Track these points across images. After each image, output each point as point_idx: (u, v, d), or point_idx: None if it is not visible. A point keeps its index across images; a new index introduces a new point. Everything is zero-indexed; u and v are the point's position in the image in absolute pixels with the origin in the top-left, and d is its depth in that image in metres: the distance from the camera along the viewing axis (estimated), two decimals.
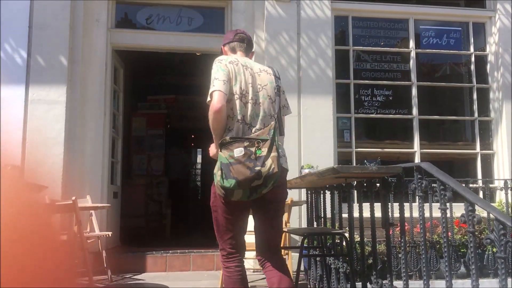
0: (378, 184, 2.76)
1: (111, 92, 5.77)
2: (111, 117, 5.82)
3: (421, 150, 5.78)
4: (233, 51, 2.72)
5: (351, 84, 5.85)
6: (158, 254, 5.33)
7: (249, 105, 2.46)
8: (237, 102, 2.43)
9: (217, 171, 2.32)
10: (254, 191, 2.29)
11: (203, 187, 10.91)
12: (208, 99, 2.42)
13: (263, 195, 2.33)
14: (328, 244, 3.56)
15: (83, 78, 5.38)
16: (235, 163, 2.26)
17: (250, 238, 5.16)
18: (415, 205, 3.32)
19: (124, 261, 5.25)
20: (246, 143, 2.32)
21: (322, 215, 3.82)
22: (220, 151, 2.34)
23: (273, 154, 2.32)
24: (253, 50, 2.89)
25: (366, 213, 2.86)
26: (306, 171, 3.65)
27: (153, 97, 9.07)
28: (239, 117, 2.43)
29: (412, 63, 5.95)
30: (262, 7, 5.66)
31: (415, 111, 5.86)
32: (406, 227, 4.53)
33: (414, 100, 5.88)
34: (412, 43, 5.98)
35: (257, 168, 2.25)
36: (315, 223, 4.01)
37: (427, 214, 4.25)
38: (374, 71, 5.97)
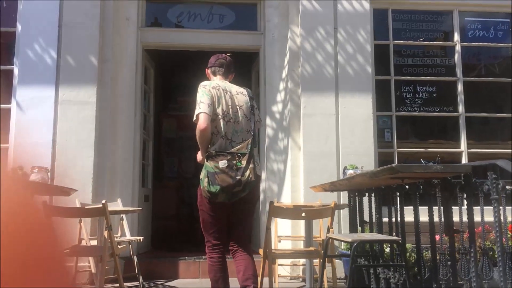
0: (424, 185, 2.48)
1: (141, 93, 5.62)
2: (142, 118, 5.66)
3: (469, 150, 5.41)
4: (214, 74, 3.20)
5: (391, 80, 5.53)
6: (190, 259, 5.12)
7: (230, 124, 2.96)
8: (221, 121, 2.93)
9: (203, 178, 2.85)
10: (235, 195, 2.84)
11: None
12: (194, 119, 2.92)
13: (241, 197, 2.87)
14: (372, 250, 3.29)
15: (114, 78, 5.24)
16: (220, 172, 2.79)
17: (286, 244, 4.89)
18: (464, 208, 3.02)
19: (156, 266, 5.07)
20: (229, 157, 2.84)
21: (368, 219, 3.54)
22: (207, 161, 2.86)
23: (251, 165, 2.86)
24: (232, 73, 3.25)
25: (410, 217, 2.60)
26: (351, 171, 3.38)
27: (183, 98, 8.91)
28: (221, 134, 2.93)
29: (457, 57, 5.59)
30: (297, 2, 5.41)
31: (461, 108, 5.49)
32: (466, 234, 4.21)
33: (460, 97, 5.52)
34: (457, 36, 5.62)
35: (238, 177, 2.79)
36: (359, 228, 3.73)
37: (477, 218, 3.91)
38: (416, 66, 5.63)
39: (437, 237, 4.44)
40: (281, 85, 5.48)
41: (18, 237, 0.48)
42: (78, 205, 4.38)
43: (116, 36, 5.33)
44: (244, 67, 7.06)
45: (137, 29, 5.49)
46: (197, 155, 3.12)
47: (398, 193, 2.94)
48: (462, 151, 5.42)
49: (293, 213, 3.38)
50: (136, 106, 5.41)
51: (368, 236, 2.63)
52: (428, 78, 5.59)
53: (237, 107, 3.01)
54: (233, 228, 3.06)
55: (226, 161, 2.81)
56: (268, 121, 5.48)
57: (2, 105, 5.08)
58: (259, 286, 3.14)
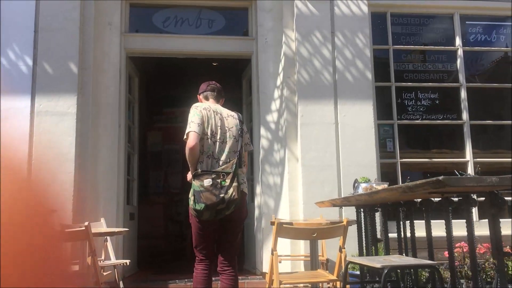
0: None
1: (126, 103, 5.22)
2: (126, 130, 5.26)
3: (474, 160, 5.13)
4: (206, 98, 3.37)
5: (392, 87, 5.24)
6: (181, 283, 4.71)
7: (217, 144, 3.10)
8: (208, 141, 3.08)
9: (191, 196, 2.98)
10: (219, 212, 2.94)
11: None
12: (185, 137, 3.04)
13: (227, 215, 2.97)
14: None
15: (95, 87, 4.84)
16: (205, 190, 2.91)
17: (285, 264, 4.51)
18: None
19: None
20: (213, 175, 2.96)
21: (381, 237, 3.19)
22: (193, 180, 2.98)
23: (234, 184, 2.96)
24: (223, 97, 3.45)
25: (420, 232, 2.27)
26: (364, 185, 3.04)
27: (169, 110, 8.51)
28: (209, 153, 3.06)
29: (459, 62, 5.33)
30: (292, 5, 5.11)
31: (465, 115, 5.22)
32: (463, 249, 3.89)
33: (464, 104, 5.25)
34: (458, 40, 5.37)
35: (222, 195, 2.90)
36: (371, 248, 3.38)
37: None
38: (417, 72, 5.36)
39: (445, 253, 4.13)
40: (276, 93, 5.15)
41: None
42: (57, 227, 3.95)
43: (97, 42, 4.94)
44: (234, 75, 6.73)
45: (120, 35, 5.11)
46: (187, 175, 3.23)
47: (423, 208, 2.60)
48: (468, 161, 5.14)
49: (303, 234, 3.02)
50: (120, 117, 5.01)
51: (397, 260, 2.29)
52: (430, 84, 5.32)
53: (226, 128, 3.17)
54: (221, 245, 3.17)
55: (210, 180, 2.95)
56: (263, 131, 5.13)
57: None
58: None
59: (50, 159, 4.47)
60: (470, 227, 2.16)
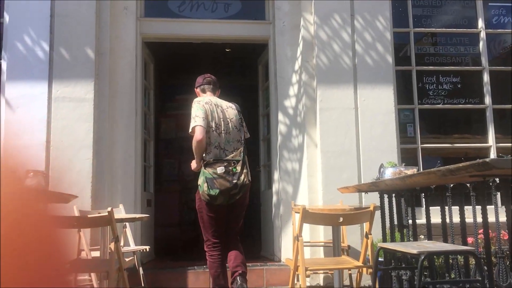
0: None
1: (142, 89, 5.16)
2: (143, 117, 5.20)
3: (497, 145, 5.02)
4: (203, 91, 3.59)
5: (413, 71, 5.14)
6: (200, 269, 4.68)
7: (222, 135, 3.33)
8: (214, 133, 3.30)
9: (202, 183, 3.20)
10: (232, 197, 3.22)
11: None
12: (190, 131, 3.27)
13: (235, 200, 3.27)
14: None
15: (112, 73, 4.78)
16: (218, 177, 3.16)
17: (306, 254, 4.46)
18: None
19: (163, 278, 4.62)
20: (225, 163, 3.21)
21: (406, 223, 3.13)
22: (204, 168, 3.21)
23: (244, 170, 3.26)
24: (218, 89, 3.66)
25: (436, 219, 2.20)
26: (392, 170, 2.96)
27: (182, 97, 8.44)
28: (215, 144, 3.30)
29: (482, 45, 5.20)
30: None
31: (488, 100, 5.11)
32: (491, 235, 3.81)
33: (487, 88, 5.13)
34: (481, 23, 5.24)
35: (234, 181, 3.18)
36: (396, 234, 3.32)
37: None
38: (438, 55, 5.24)
39: (470, 239, 4.06)
40: (294, 78, 5.06)
41: (23, 247, 0.44)
42: (76, 212, 3.93)
43: (113, 27, 4.87)
44: (249, 60, 6.65)
45: (136, 20, 5.03)
46: (192, 164, 3.41)
47: (450, 193, 2.53)
48: (490, 146, 5.04)
49: (329, 219, 2.96)
50: (137, 104, 4.95)
51: (432, 246, 2.22)
52: (451, 68, 5.20)
53: (228, 119, 3.40)
54: (228, 228, 3.45)
55: (223, 167, 3.19)
56: (281, 116, 5.05)
57: None
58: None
59: (68, 145, 4.45)
60: (510, 212, 2.08)
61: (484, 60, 5.17)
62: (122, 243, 4.35)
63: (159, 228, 6.28)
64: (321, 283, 4.63)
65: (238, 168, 3.22)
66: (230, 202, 3.26)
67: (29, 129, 4.40)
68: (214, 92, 3.60)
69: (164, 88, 8.22)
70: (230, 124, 3.39)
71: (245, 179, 3.23)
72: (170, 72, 8.12)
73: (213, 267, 3.33)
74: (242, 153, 3.31)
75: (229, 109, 3.47)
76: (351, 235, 4.42)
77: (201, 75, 3.69)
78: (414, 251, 2.03)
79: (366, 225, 3.04)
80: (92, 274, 3.96)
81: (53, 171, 4.39)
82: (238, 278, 3.25)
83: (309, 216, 2.85)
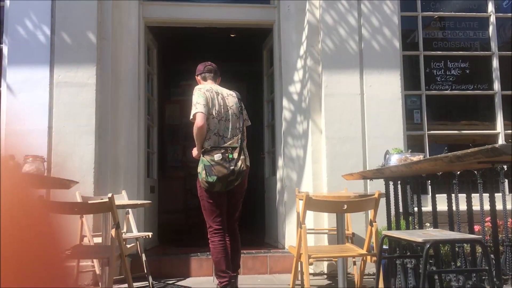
0: None
1: (145, 74, 5.10)
2: (146, 102, 5.15)
3: (506, 132, 4.93)
4: (204, 79, 3.63)
5: (420, 56, 5.04)
6: (203, 256, 4.66)
7: (222, 122, 3.40)
8: (214, 120, 3.36)
9: (201, 171, 3.29)
10: (230, 184, 3.31)
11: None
12: (191, 117, 3.33)
13: (234, 187, 3.36)
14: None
15: (114, 57, 4.72)
16: (216, 164, 3.24)
17: (308, 241, 4.42)
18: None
19: (166, 264, 4.61)
20: (222, 150, 3.29)
21: (412, 211, 3.07)
22: (203, 156, 3.29)
23: (242, 157, 3.34)
24: (219, 77, 3.69)
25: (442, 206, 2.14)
26: (398, 156, 2.90)
27: (187, 83, 8.37)
28: (215, 131, 3.36)
29: (491, 29, 5.09)
30: None
31: (497, 85, 5.01)
32: (498, 223, 3.74)
33: (496, 73, 5.03)
34: (491, 6, 5.11)
35: (232, 168, 3.26)
36: (401, 222, 3.26)
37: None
38: (446, 40, 5.13)
39: (476, 227, 3.99)
40: (299, 63, 4.98)
41: (14, 235, 0.44)
42: (78, 198, 3.90)
43: (115, 11, 4.80)
44: (253, 46, 6.55)
45: (139, 3, 4.96)
46: (192, 151, 3.49)
47: (456, 181, 2.46)
48: (499, 133, 4.95)
49: (333, 207, 2.90)
50: (140, 89, 4.90)
51: (438, 234, 2.17)
52: (460, 53, 5.10)
53: (228, 107, 3.47)
54: (228, 213, 3.53)
55: (220, 154, 3.26)
56: (285, 102, 4.98)
57: None
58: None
59: (70, 131, 4.41)
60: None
61: (493, 45, 5.06)
62: (124, 230, 4.33)
63: (163, 214, 6.26)
64: (325, 271, 4.60)
65: (235, 154, 3.32)
66: (228, 189, 3.36)
67: (31, 114, 4.36)
68: (215, 79, 3.65)
69: (168, 74, 8.15)
70: (230, 111, 3.46)
71: (242, 165, 3.32)
72: (175, 58, 8.04)
73: (214, 253, 3.42)
74: (239, 140, 3.40)
75: (230, 97, 3.53)
76: (356, 223, 4.38)
77: (202, 62, 3.73)
78: (420, 239, 1.98)
79: (370, 213, 2.99)
80: (95, 260, 3.95)
81: (56, 157, 4.36)
82: (232, 279, 3.43)
83: (313, 203, 2.80)
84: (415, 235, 2.10)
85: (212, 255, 3.45)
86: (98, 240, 3.84)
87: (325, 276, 4.56)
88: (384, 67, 4.76)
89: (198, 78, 3.68)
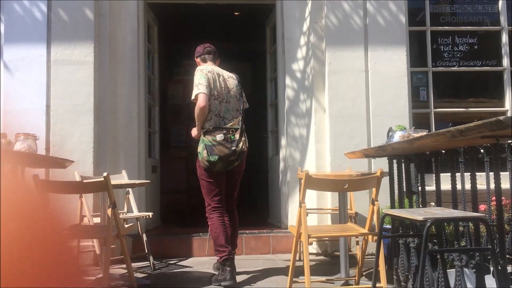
0: None
1: (144, 52, 5.00)
2: (146, 81, 5.06)
3: None
4: (204, 61, 3.69)
5: (427, 31, 4.89)
6: (205, 236, 4.60)
7: (223, 104, 3.49)
8: (214, 102, 3.44)
9: (202, 150, 3.39)
10: (230, 163, 3.42)
11: (249, 156, 10.14)
12: (193, 98, 3.42)
13: (233, 167, 3.47)
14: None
15: (112, 35, 4.62)
16: (217, 144, 3.35)
17: (311, 218, 4.36)
18: None
19: (167, 244, 4.58)
20: (224, 131, 3.39)
21: (417, 190, 2.99)
22: (204, 136, 3.40)
23: (243, 138, 3.45)
24: (218, 58, 3.75)
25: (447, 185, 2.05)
26: (401, 133, 2.80)
27: (190, 62, 8.24)
28: (216, 112, 3.45)
29: (501, 3, 4.91)
30: None
31: (506, 61, 4.86)
32: (504, 202, 3.65)
33: (505, 49, 4.87)
34: None
35: (233, 148, 3.38)
36: (405, 201, 3.18)
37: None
38: (454, 15, 4.97)
39: (482, 207, 3.90)
40: (302, 40, 4.85)
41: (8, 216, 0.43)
42: (77, 178, 3.84)
43: None
44: (256, 25, 6.42)
45: None
46: (192, 131, 3.58)
47: (462, 158, 2.36)
48: (507, 110, 4.82)
49: (334, 185, 2.82)
50: (140, 67, 4.80)
51: (440, 212, 2.09)
52: (468, 28, 4.94)
53: (229, 89, 3.55)
54: (227, 194, 3.65)
55: (222, 135, 3.37)
56: (288, 81, 4.87)
57: None
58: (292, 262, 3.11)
59: (68, 110, 4.34)
60: None
61: (503, 20, 4.90)
62: (125, 210, 4.29)
63: (166, 194, 6.22)
64: (328, 250, 4.54)
65: (237, 136, 3.41)
66: (228, 169, 3.46)
67: (29, 93, 4.29)
68: (214, 61, 3.71)
69: (171, 53, 8.03)
70: (230, 93, 3.55)
71: (243, 146, 3.43)
72: (178, 37, 7.91)
73: (213, 229, 3.56)
74: (240, 122, 3.50)
75: (230, 79, 3.61)
76: (360, 202, 4.29)
77: (201, 44, 3.77)
78: (420, 218, 1.89)
79: (373, 192, 2.91)
80: (95, 241, 3.91)
81: (54, 136, 4.30)
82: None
83: (313, 182, 2.72)
84: (416, 213, 2.02)
85: (211, 231, 3.57)
86: (98, 219, 3.80)
87: (328, 255, 4.50)
88: (390, 43, 4.63)
89: (198, 60, 3.72)
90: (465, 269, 2.16)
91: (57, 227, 0.51)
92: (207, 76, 3.43)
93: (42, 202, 0.50)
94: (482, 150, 2.21)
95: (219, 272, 3.53)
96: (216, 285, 3.58)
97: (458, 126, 1.69)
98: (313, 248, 4.54)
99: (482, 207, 3.70)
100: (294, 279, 3.05)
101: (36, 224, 0.48)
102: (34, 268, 0.45)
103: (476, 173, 2.40)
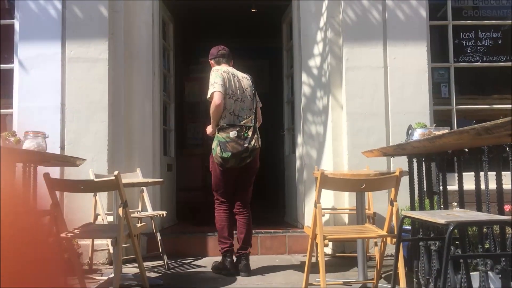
0: None
1: (160, 49, 4.95)
2: (161, 79, 5.01)
3: None
4: (218, 63, 3.82)
5: (449, 26, 4.73)
6: None
7: (237, 102, 3.65)
8: (229, 100, 3.60)
9: (216, 147, 3.55)
10: (243, 160, 3.54)
11: (266, 154, 10.05)
12: (208, 96, 3.58)
13: (246, 164, 3.58)
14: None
15: (127, 32, 4.58)
16: (230, 141, 3.49)
17: (330, 221, 4.26)
18: None
19: (182, 243, 4.54)
20: (237, 128, 3.54)
21: (436, 190, 2.87)
22: (218, 133, 3.56)
23: (255, 136, 3.58)
24: (231, 60, 3.88)
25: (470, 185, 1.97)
26: (421, 131, 2.69)
27: (207, 59, 8.18)
28: (230, 110, 3.61)
29: None
30: None
31: None
32: None
33: None
34: None
35: (246, 145, 3.51)
36: (425, 202, 3.06)
37: None
38: (477, 8, 4.81)
39: (507, 207, 3.74)
40: (319, 36, 4.74)
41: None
42: (91, 176, 3.82)
43: None
44: (273, 22, 6.33)
45: None
46: (207, 128, 3.74)
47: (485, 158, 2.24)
48: None
49: (351, 185, 2.73)
50: (154, 65, 4.75)
51: (463, 215, 1.98)
52: (492, 22, 4.77)
53: (243, 89, 3.70)
54: (239, 191, 3.79)
55: (236, 132, 3.51)
56: (304, 77, 4.77)
57: (2, 65, 4.50)
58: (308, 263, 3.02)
59: (83, 108, 4.32)
60: None
61: None
62: (140, 208, 4.25)
63: (182, 192, 6.18)
64: (346, 251, 4.44)
65: (250, 133, 3.56)
66: (241, 165, 3.59)
67: (44, 91, 4.28)
68: (228, 63, 3.84)
69: (188, 51, 7.99)
70: (245, 93, 3.71)
71: (255, 144, 3.57)
72: (195, 35, 7.87)
73: (218, 220, 3.75)
74: (253, 120, 3.65)
75: (244, 80, 3.76)
76: (378, 202, 4.17)
77: (215, 46, 3.90)
78: (442, 221, 1.79)
79: (391, 192, 2.80)
80: (108, 240, 3.88)
81: (69, 134, 4.28)
82: (243, 257, 3.71)
83: (329, 182, 2.63)
84: (437, 216, 1.91)
85: (217, 222, 3.77)
86: (112, 218, 3.77)
87: (345, 256, 4.39)
88: (410, 38, 4.49)
89: (212, 62, 3.87)
90: (490, 273, 2.04)
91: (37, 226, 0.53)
92: (222, 76, 3.59)
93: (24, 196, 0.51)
94: (508, 149, 2.09)
95: (220, 261, 3.78)
96: (216, 273, 3.79)
97: (483, 124, 1.58)
98: (329, 249, 4.44)
99: (507, 207, 3.55)
100: (310, 282, 2.96)
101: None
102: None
103: (503, 173, 2.28)
